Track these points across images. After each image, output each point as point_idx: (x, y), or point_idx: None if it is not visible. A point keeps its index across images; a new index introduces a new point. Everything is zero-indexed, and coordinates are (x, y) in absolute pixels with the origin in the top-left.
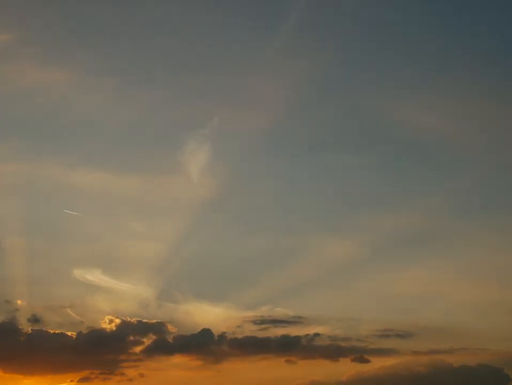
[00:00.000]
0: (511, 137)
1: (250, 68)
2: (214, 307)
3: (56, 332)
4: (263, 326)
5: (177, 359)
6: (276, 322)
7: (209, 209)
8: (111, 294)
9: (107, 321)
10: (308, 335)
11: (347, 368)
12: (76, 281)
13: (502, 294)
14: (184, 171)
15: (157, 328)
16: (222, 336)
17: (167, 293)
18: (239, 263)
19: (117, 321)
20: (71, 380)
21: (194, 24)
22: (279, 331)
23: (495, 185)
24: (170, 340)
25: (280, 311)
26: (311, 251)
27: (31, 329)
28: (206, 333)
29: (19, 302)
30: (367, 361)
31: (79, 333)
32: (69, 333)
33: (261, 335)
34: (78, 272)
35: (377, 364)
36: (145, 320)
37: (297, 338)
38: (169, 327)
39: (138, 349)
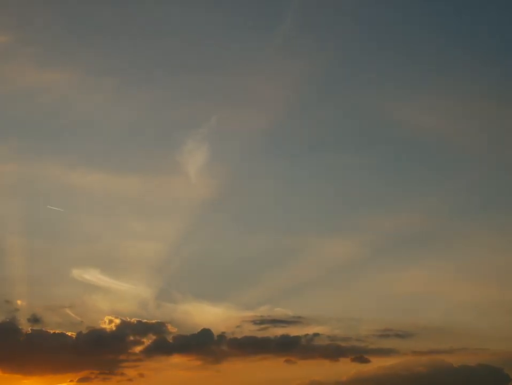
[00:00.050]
0: (511, 137)
1: (250, 68)
2: (213, 307)
3: (56, 332)
4: (262, 326)
5: (177, 359)
6: (275, 322)
7: (209, 209)
8: (111, 294)
9: (107, 321)
10: (307, 334)
11: (346, 368)
12: (76, 281)
13: (502, 294)
14: (184, 171)
15: (157, 328)
16: (222, 336)
17: (167, 293)
18: (238, 263)
19: (117, 321)
20: (71, 380)
21: (194, 24)
22: (278, 331)
23: (495, 185)
24: (170, 340)
25: (279, 311)
26: (311, 251)
27: (31, 329)
28: (205, 334)
29: (19, 302)
30: (367, 361)
31: (79, 334)
32: (69, 333)
33: (260, 334)
34: (78, 273)
35: (377, 364)
36: (145, 320)
37: (297, 338)
38: (169, 327)
39: (137, 349)
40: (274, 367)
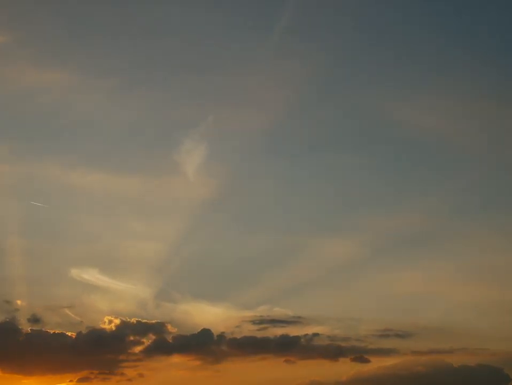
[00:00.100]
0: (511, 137)
1: (250, 68)
2: (213, 307)
3: (55, 332)
4: (262, 326)
5: (177, 359)
6: (275, 322)
7: (209, 209)
8: (111, 294)
9: (107, 321)
10: (307, 334)
11: (346, 368)
12: (76, 281)
13: (502, 294)
14: (183, 171)
15: (157, 328)
16: (221, 336)
17: (167, 293)
18: (238, 263)
19: (117, 321)
20: (71, 380)
21: (194, 24)
22: (278, 331)
23: (495, 185)
24: (170, 340)
25: (279, 311)
26: (311, 251)
27: (30, 329)
28: (205, 334)
29: (19, 302)
30: (367, 361)
31: (78, 334)
32: (69, 334)
33: (260, 334)
34: (78, 273)
35: (377, 364)
36: (145, 320)
37: (297, 338)
38: (169, 327)
39: (137, 349)
40: (274, 367)
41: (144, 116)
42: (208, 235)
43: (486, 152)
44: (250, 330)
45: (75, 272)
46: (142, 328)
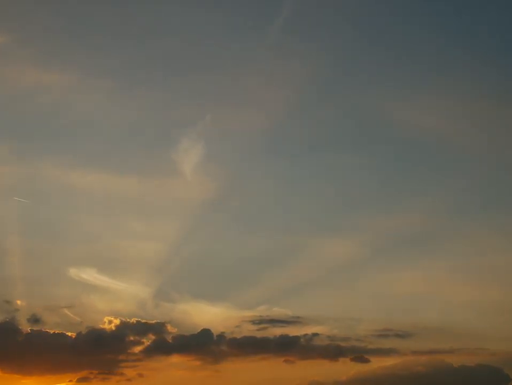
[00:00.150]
0: (511, 137)
1: (250, 68)
2: (213, 307)
3: (55, 332)
4: (262, 326)
5: (176, 359)
6: (274, 322)
7: (208, 209)
8: (110, 294)
9: (107, 321)
10: (307, 334)
11: (346, 368)
12: (75, 281)
13: (502, 294)
14: (183, 171)
15: (157, 328)
16: (221, 336)
17: (166, 293)
18: (238, 263)
19: (117, 321)
20: (70, 380)
21: (194, 24)
22: (277, 331)
23: (495, 185)
24: (169, 340)
25: (279, 311)
26: (311, 251)
27: (30, 329)
28: (205, 334)
29: (19, 302)
30: (366, 361)
31: (78, 334)
32: (69, 334)
33: (259, 334)
34: (77, 273)
35: (377, 364)
36: (144, 320)
37: (296, 338)
38: (168, 327)
39: (137, 349)
40: (274, 367)
41: (144, 116)
42: (208, 235)
43: (486, 152)
44: (250, 330)
45: (74, 272)
46: (142, 328)
